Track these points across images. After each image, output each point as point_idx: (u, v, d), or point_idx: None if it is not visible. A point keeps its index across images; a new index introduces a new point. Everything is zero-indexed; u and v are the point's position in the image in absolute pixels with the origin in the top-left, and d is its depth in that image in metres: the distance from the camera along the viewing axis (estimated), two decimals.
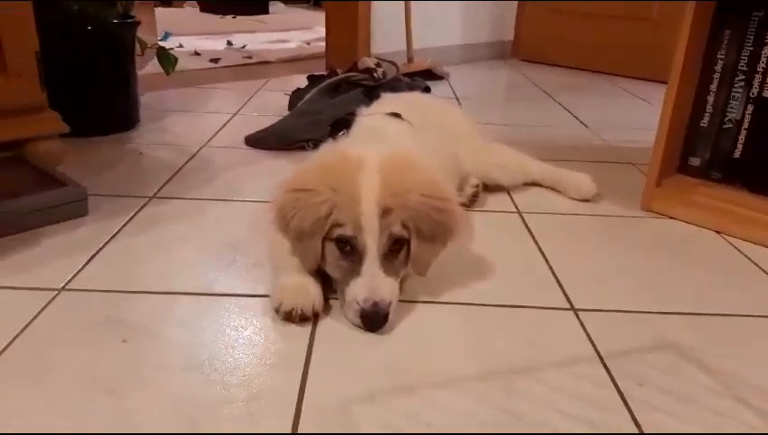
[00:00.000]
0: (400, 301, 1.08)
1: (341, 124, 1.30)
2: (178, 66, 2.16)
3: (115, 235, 1.29)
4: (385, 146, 1.12)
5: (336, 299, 1.08)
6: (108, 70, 1.95)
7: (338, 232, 1.02)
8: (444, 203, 1.05)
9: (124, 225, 1.34)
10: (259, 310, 1.05)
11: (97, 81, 1.93)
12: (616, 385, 0.91)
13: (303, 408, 0.83)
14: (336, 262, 1.04)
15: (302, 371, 0.91)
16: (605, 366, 0.95)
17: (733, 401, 0.89)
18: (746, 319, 1.11)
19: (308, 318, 1.01)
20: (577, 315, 1.09)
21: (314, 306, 1.02)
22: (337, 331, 1.01)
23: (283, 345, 0.97)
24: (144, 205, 1.45)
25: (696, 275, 1.26)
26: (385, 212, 1.01)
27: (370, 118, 1.36)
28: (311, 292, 1.03)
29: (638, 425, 0.83)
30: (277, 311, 1.02)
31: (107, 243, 1.26)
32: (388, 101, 1.55)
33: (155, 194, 1.52)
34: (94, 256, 1.20)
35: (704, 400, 0.89)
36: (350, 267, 1.02)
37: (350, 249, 1.02)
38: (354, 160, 1.05)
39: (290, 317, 1.01)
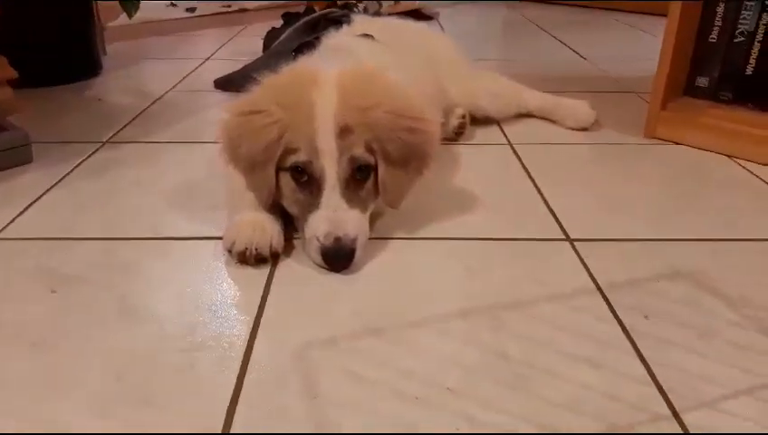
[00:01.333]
0: (373, 238, 0.95)
1: (306, 48, 1.16)
2: (151, 16, 2.00)
3: (59, 181, 1.16)
4: (349, 61, 0.97)
5: (299, 239, 0.95)
6: (62, 14, 1.80)
7: (292, 159, 0.88)
8: (415, 122, 0.91)
9: (71, 171, 1.21)
10: (211, 253, 0.93)
11: (50, 26, 1.77)
12: (618, 319, 0.78)
13: (253, 357, 0.71)
14: (293, 195, 0.91)
15: (255, 316, 0.78)
16: (605, 299, 0.82)
17: (758, 334, 0.76)
18: (765, 244, 0.98)
19: (264, 259, 0.88)
20: (573, 246, 0.96)
21: (272, 245, 0.88)
22: (299, 273, 0.88)
23: (236, 290, 0.85)
24: (96, 150, 1.32)
25: (709, 202, 1.12)
26: (343, 131, 0.87)
27: (337, 39, 1.21)
28: (267, 229, 0.89)
29: (644, 361, 0.71)
30: (230, 252, 0.89)
31: (49, 189, 1.13)
32: (360, 22, 1.39)
33: (109, 139, 1.38)
34: (33, 203, 1.08)
35: (725, 333, 0.76)
36: (308, 200, 0.89)
37: (308, 179, 0.89)
38: (309, 76, 0.91)
39: (244, 258, 0.88)
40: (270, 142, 0.87)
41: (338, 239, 0.85)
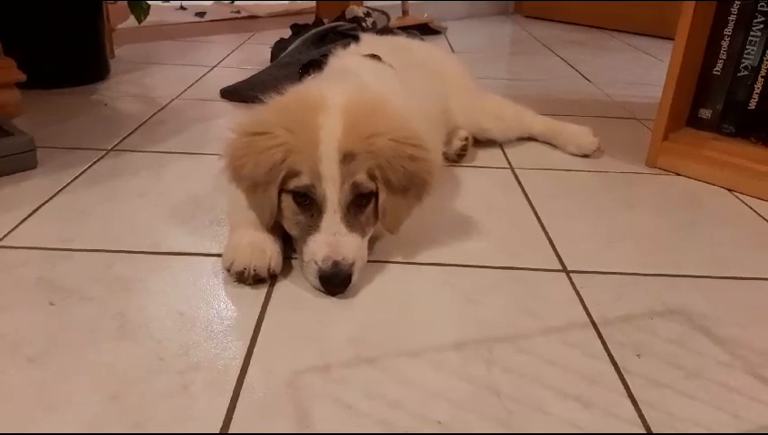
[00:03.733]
0: (371, 261, 0.96)
1: (313, 66, 1.16)
2: (161, 19, 2.02)
3: (63, 188, 1.17)
4: (355, 86, 0.98)
5: (297, 259, 0.96)
6: (73, 17, 1.81)
7: (294, 182, 0.89)
8: (417, 150, 0.92)
9: (75, 178, 1.22)
10: (210, 271, 0.93)
11: (60, 28, 1.79)
12: (611, 355, 0.79)
13: (246, 380, 0.72)
14: (293, 217, 0.92)
15: (251, 338, 0.79)
16: (599, 334, 0.83)
17: (746, 375, 0.77)
18: (762, 283, 0.99)
19: (262, 280, 0.89)
20: (569, 278, 0.96)
21: (270, 267, 0.89)
22: (295, 295, 0.89)
23: (233, 310, 0.85)
24: (101, 157, 1.33)
25: (706, 236, 1.13)
26: (347, 158, 0.87)
27: (344, 58, 1.22)
28: (266, 251, 0.90)
29: (634, 402, 0.72)
30: (228, 270, 0.90)
31: (53, 197, 1.14)
32: (368, 42, 1.40)
33: (114, 146, 1.39)
34: (36, 210, 1.09)
35: (713, 374, 0.77)
36: (308, 222, 0.90)
37: (309, 202, 0.90)
38: (315, 100, 0.92)
39: (242, 278, 0.89)
40: (274, 164, 0.88)
41: (336, 263, 0.86)
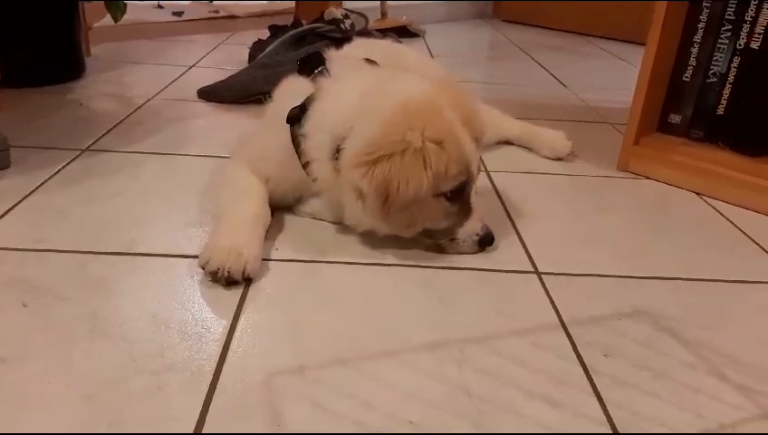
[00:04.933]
0: (348, 263, 0.97)
1: (313, 61, 1.16)
2: (138, 18, 2.00)
3: (37, 188, 1.17)
4: (418, 80, 1.03)
5: (277, 260, 0.98)
6: (47, 15, 1.79)
7: (450, 184, 0.97)
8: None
9: (49, 178, 1.21)
10: (185, 272, 0.94)
11: (34, 26, 1.77)
12: (579, 356, 0.81)
13: (220, 381, 0.72)
14: (445, 212, 1.01)
15: (226, 340, 0.79)
16: (568, 335, 0.85)
17: (710, 376, 0.79)
18: (728, 285, 1.01)
19: (236, 282, 0.90)
20: (541, 279, 0.98)
21: (245, 271, 0.90)
22: (271, 297, 0.90)
23: (208, 312, 0.85)
24: (76, 157, 1.32)
25: (674, 239, 1.16)
26: (476, 144, 1.01)
27: (350, 63, 1.20)
28: (244, 255, 0.90)
29: (601, 402, 0.73)
30: (203, 268, 0.90)
31: (26, 197, 1.13)
32: (364, 45, 1.40)
33: (89, 146, 1.38)
34: (10, 210, 1.08)
35: (678, 374, 0.79)
36: (458, 210, 1.01)
37: (457, 194, 0.99)
38: (418, 99, 0.96)
39: (215, 278, 0.89)
40: (437, 176, 0.94)
41: (486, 227, 1.03)
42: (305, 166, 1.04)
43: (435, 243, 1.03)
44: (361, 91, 1.00)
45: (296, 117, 1.04)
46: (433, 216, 1.00)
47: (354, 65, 1.15)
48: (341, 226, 1.08)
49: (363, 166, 0.92)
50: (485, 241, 1.03)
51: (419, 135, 0.92)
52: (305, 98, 1.05)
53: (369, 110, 0.97)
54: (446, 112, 0.97)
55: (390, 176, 0.91)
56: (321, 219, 1.11)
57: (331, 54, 1.22)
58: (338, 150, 0.98)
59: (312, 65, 1.13)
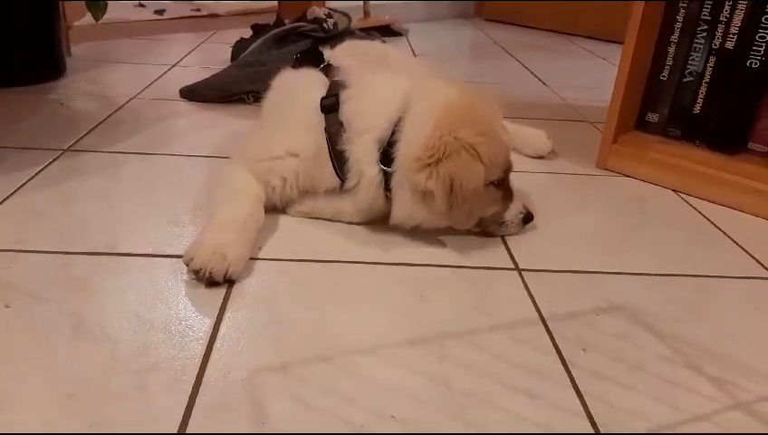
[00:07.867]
0: (330, 261, 0.98)
1: (313, 57, 1.17)
2: (119, 17, 1.98)
3: (18, 189, 1.16)
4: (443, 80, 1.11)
5: (262, 259, 0.98)
6: (27, 13, 1.77)
7: (498, 173, 1.05)
8: None
9: (30, 178, 1.21)
10: (168, 272, 0.94)
11: (13, 24, 1.75)
12: (558, 350, 0.83)
13: (204, 380, 0.73)
14: (495, 198, 1.09)
15: (209, 339, 0.80)
16: (547, 330, 0.87)
17: (685, 369, 0.81)
18: (703, 280, 1.04)
19: (217, 283, 0.91)
20: (521, 275, 1.00)
21: (227, 272, 0.90)
22: (254, 296, 0.90)
23: (191, 311, 0.86)
24: (56, 158, 1.31)
25: (651, 236, 1.18)
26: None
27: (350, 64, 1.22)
28: (227, 257, 0.91)
29: (579, 395, 0.75)
30: (187, 265, 0.91)
31: (7, 198, 1.12)
32: (357, 47, 1.41)
33: (70, 146, 1.37)
34: None
35: (654, 367, 0.81)
36: (503, 195, 1.10)
37: (501, 181, 1.08)
38: (464, 101, 1.04)
39: (198, 277, 0.90)
40: (496, 166, 1.03)
41: (525, 206, 1.13)
42: (339, 161, 1.06)
43: (484, 230, 1.12)
44: (397, 96, 1.06)
45: (332, 106, 1.07)
46: (487, 204, 1.08)
47: (364, 66, 1.19)
48: (327, 225, 1.09)
49: (426, 168, 0.98)
50: (528, 219, 1.13)
51: (467, 132, 0.99)
52: (327, 89, 1.10)
53: (416, 116, 1.03)
54: (480, 109, 1.04)
55: (453, 173, 0.98)
56: (316, 218, 1.12)
57: (329, 53, 1.25)
58: (384, 154, 1.03)
59: (310, 60, 1.18)
